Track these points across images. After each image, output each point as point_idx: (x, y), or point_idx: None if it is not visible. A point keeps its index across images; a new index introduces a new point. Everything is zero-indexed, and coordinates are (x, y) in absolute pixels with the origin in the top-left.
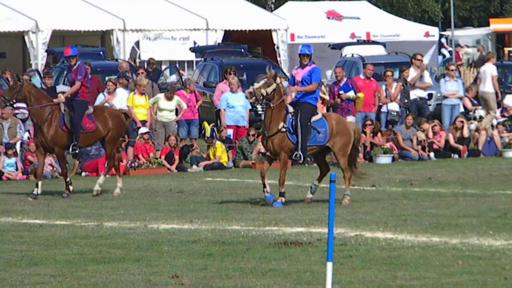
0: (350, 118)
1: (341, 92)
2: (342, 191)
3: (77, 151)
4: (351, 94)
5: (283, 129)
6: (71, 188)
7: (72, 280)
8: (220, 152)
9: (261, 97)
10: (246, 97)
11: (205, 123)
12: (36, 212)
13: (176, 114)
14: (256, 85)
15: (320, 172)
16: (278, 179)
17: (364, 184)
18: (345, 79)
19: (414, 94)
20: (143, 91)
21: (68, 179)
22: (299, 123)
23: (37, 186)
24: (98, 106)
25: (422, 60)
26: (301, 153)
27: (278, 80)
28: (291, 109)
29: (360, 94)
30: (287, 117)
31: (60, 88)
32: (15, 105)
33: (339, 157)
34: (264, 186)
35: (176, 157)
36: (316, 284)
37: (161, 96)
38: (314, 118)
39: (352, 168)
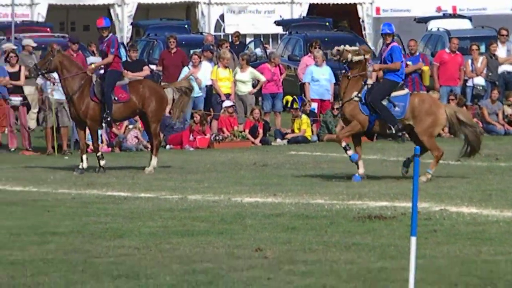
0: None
1: (408, 62)
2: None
3: (109, 119)
4: (420, 65)
5: (356, 98)
6: (102, 162)
7: (156, 252)
8: (306, 126)
9: (344, 60)
10: (332, 54)
11: (288, 97)
12: (120, 184)
13: (254, 87)
14: (347, 47)
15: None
16: (336, 138)
17: (449, 159)
18: (417, 53)
19: (502, 68)
20: (226, 64)
21: (99, 153)
22: (370, 99)
23: (81, 160)
24: (137, 79)
25: (507, 35)
26: (390, 125)
27: (368, 56)
28: (370, 81)
29: (425, 68)
30: (363, 88)
31: (91, 60)
32: (47, 75)
33: (422, 137)
34: (358, 168)
35: (260, 130)
36: (400, 259)
37: (238, 68)
38: (396, 93)
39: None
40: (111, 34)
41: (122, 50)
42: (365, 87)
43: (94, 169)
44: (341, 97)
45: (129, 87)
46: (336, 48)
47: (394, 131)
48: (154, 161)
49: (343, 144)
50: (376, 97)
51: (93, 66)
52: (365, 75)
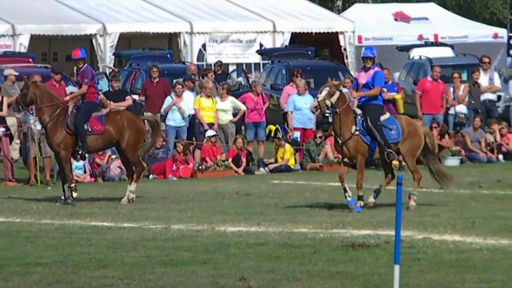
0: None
1: (384, 89)
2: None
3: (81, 153)
4: (393, 94)
5: (356, 132)
6: (75, 194)
7: (140, 282)
8: (289, 155)
9: (325, 108)
10: (312, 111)
11: (271, 126)
12: (104, 214)
13: (235, 115)
14: (320, 97)
15: (385, 177)
16: (355, 183)
17: (432, 187)
18: (391, 81)
19: (483, 96)
20: (209, 94)
21: (73, 185)
22: (370, 124)
23: (63, 190)
24: (116, 110)
25: (489, 63)
26: (389, 150)
27: (341, 87)
28: (358, 111)
29: (398, 96)
30: (356, 120)
31: (69, 89)
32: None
33: (407, 158)
34: (345, 191)
35: (243, 159)
36: (384, 287)
37: (218, 97)
38: (382, 118)
39: (437, 172)
40: (86, 65)
41: (104, 81)
42: (358, 118)
43: (65, 200)
44: (338, 134)
45: (106, 118)
46: (312, 106)
47: (395, 156)
48: (132, 187)
49: (361, 193)
50: (376, 120)
51: (68, 97)
52: (349, 105)
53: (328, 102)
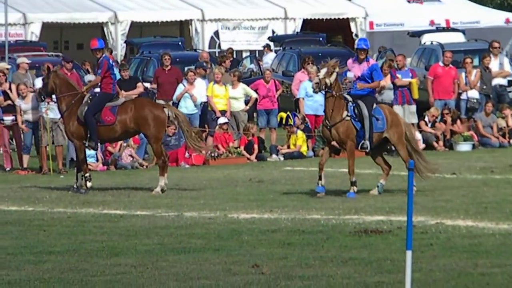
0: (395, 107)
1: (398, 75)
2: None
3: (91, 144)
4: (408, 80)
5: (347, 118)
6: (89, 184)
7: (153, 270)
8: (301, 141)
9: (324, 86)
10: (313, 88)
11: (282, 113)
12: (116, 202)
13: (246, 103)
14: (321, 74)
15: (382, 171)
16: (348, 168)
17: (444, 172)
18: (407, 68)
19: (494, 81)
20: (219, 80)
21: (87, 175)
22: (366, 113)
23: (76, 179)
24: (130, 99)
25: (499, 48)
26: (367, 142)
27: (337, 69)
28: (349, 98)
29: (413, 80)
30: (348, 106)
31: (88, 77)
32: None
33: (399, 148)
34: (320, 178)
35: (256, 146)
36: (396, 273)
37: (229, 85)
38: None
39: (421, 164)
40: (103, 56)
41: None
42: (350, 104)
43: (78, 189)
44: (328, 117)
45: (119, 108)
46: (314, 82)
47: (368, 148)
48: (161, 181)
49: (353, 179)
50: (371, 112)
51: (84, 88)
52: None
53: (327, 81)
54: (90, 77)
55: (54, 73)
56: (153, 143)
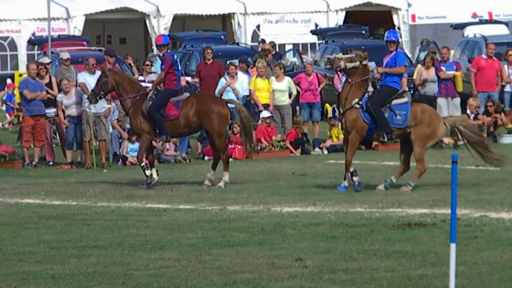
0: (439, 100)
1: (443, 68)
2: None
3: (162, 138)
4: (452, 72)
5: (357, 105)
6: (148, 172)
7: (197, 264)
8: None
9: (338, 68)
10: (325, 63)
11: (327, 105)
12: (160, 196)
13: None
14: (339, 55)
15: (400, 168)
16: (346, 163)
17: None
18: (451, 60)
19: None
20: (262, 73)
21: (143, 164)
22: (369, 104)
23: (151, 174)
24: (195, 95)
25: None
26: (383, 132)
27: (365, 61)
28: (370, 88)
29: (458, 73)
30: (364, 96)
31: (152, 77)
32: (107, 98)
33: (415, 145)
34: (352, 175)
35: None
36: (440, 266)
37: (274, 78)
38: (397, 101)
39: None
40: (168, 52)
41: (159, 63)
42: (366, 95)
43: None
44: (342, 104)
45: (183, 103)
46: (327, 56)
47: (386, 140)
48: (225, 177)
49: (351, 169)
50: (375, 103)
51: (150, 87)
52: (367, 81)
53: (342, 63)
54: (153, 77)
55: (112, 71)
56: (216, 138)
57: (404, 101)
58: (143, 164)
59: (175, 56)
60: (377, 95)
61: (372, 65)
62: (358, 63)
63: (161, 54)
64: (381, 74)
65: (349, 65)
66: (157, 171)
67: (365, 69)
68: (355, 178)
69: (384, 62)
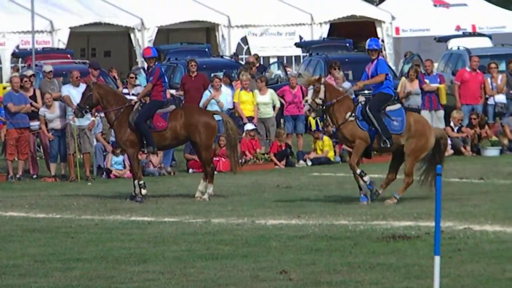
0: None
1: (426, 80)
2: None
3: (149, 149)
4: (436, 85)
5: (351, 118)
6: (144, 191)
7: (181, 276)
8: (328, 147)
9: (318, 106)
10: (306, 114)
11: (310, 118)
12: (144, 209)
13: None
14: (308, 98)
15: (386, 178)
16: (350, 166)
17: (472, 177)
18: (435, 73)
19: None
20: (246, 86)
21: (141, 182)
22: (367, 109)
23: (141, 187)
24: (182, 106)
25: None
26: (385, 139)
27: (322, 80)
28: (362, 98)
29: (441, 86)
30: (356, 108)
31: (138, 90)
32: (94, 111)
33: (408, 158)
34: (361, 176)
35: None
36: (425, 278)
37: (257, 91)
38: (390, 108)
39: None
40: (156, 64)
41: (143, 76)
42: (359, 105)
43: (131, 197)
44: (334, 122)
45: (170, 115)
46: (305, 110)
47: (389, 145)
48: (210, 189)
49: (358, 170)
50: (375, 108)
51: (135, 98)
52: (347, 96)
53: (318, 100)
54: (139, 89)
55: (96, 84)
56: (202, 151)
57: (398, 107)
58: (141, 182)
59: (163, 69)
60: (373, 102)
61: (347, 86)
62: (322, 86)
63: (147, 67)
64: (371, 86)
65: (321, 95)
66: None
67: (330, 85)
68: (365, 178)
69: (368, 72)
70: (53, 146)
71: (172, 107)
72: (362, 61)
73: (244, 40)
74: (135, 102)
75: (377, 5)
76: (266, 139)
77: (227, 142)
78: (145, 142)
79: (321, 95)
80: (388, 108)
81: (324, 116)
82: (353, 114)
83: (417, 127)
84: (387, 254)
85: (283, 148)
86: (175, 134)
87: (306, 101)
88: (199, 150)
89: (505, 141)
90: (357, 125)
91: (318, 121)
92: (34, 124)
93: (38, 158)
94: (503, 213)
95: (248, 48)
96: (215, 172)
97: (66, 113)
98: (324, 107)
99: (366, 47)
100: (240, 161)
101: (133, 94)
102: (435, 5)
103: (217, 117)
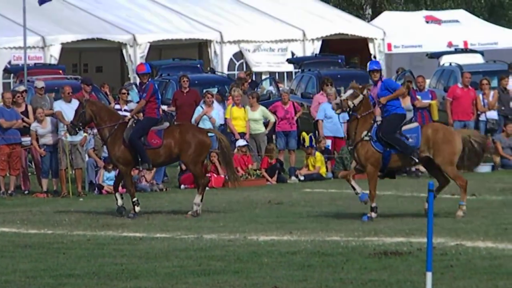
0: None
1: (418, 97)
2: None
3: (145, 166)
4: (428, 101)
5: (366, 138)
6: (137, 208)
7: None
8: (320, 163)
9: (347, 108)
10: (333, 108)
11: (304, 133)
12: (136, 225)
13: (266, 125)
14: (344, 96)
15: (438, 184)
16: (368, 193)
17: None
18: (427, 89)
19: None
20: (237, 102)
21: (135, 199)
22: (382, 135)
23: (116, 198)
24: (177, 124)
25: None
26: (411, 156)
27: (365, 91)
28: (378, 118)
29: (433, 102)
30: (372, 127)
31: (131, 106)
32: (87, 128)
33: (444, 167)
34: (354, 188)
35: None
36: None
37: (248, 107)
38: (407, 127)
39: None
40: (149, 80)
41: (135, 92)
42: (375, 125)
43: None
44: (352, 137)
45: (165, 132)
46: (334, 102)
47: (417, 160)
48: (197, 199)
49: (374, 204)
50: (387, 131)
51: (128, 116)
52: (373, 112)
53: (350, 103)
54: (133, 106)
55: (89, 101)
56: (190, 165)
57: (415, 125)
58: (134, 199)
59: (156, 85)
60: (387, 124)
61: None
62: (361, 96)
63: (139, 83)
64: (382, 106)
65: (356, 101)
66: (121, 195)
67: (367, 100)
68: (373, 214)
69: (373, 95)
70: (45, 162)
71: (166, 124)
72: (354, 77)
73: (236, 56)
74: (129, 119)
75: (369, 21)
76: (257, 155)
77: (222, 159)
78: (140, 159)
79: (356, 101)
80: (405, 127)
81: (316, 132)
82: (369, 134)
83: (436, 137)
84: (379, 270)
85: (273, 163)
86: (169, 152)
87: (340, 96)
88: (187, 166)
89: (497, 158)
90: (372, 146)
91: (313, 137)
92: (26, 139)
93: (29, 173)
94: (495, 230)
95: (242, 63)
96: (207, 188)
97: (58, 129)
98: (350, 115)
99: (368, 69)
100: (237, 176)
101: (125, 110)
102: (427, 22)
103: (210, 134)
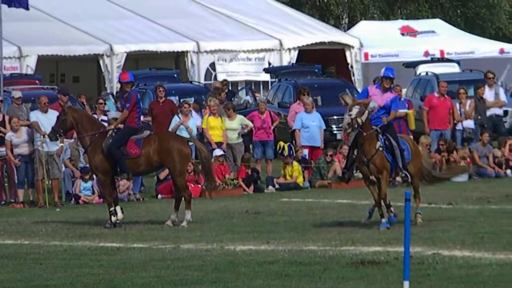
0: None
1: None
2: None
3: (124, 176)
4: (405, 111)
5: (380, 148)
6: (113, 218)
7: None
8: (297, 173)
9: (356, 126)
10: (345, 128)
11: (281, 143)
12: (113, 235)
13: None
14: (353, 114)
15: (374, 197)
16: (379, 194)
17: (441, 202)
18: (403, 98)
19: (489, 111)
20: (214, 112)
21: (112, 209)
22: (394, 144)
23: (111, 214)
24: (156, 132)
25: (493, 78)
26: (406, 172)
27: (369, 107)
28: (379, 129)
29: (409, 112)
30: (379, 137)
31: (112, 114)
32: (63, 138)
33: (415, 178)
34: (388, 206)
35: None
36: None
37: (226, 117)
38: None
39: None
40: (132, 89)
41: (111, 101)
42: (380, 136)
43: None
44: (365, 152)
45: (144, 141)
46: (345, 122)
47: (405, 174)
48: (188, 215)
49: (388, 201)
50: (397, 141)
51: (112, 125)
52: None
53: (359, 120)
54: (114, 114)
55: (70, 108)
56: (177, 177)
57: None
58: (111, 209)
59: (139, 95)
60: (394, 135)
61: (374, 105)
62: (367, 112)
63: (119, 92)
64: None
65: (364, 117)
66: (121, 208)
67: (370, 115)
68: (392, 209)
69: (380, 102)
70: (21, 172)
71: (147, 132)
72: (331, 86)
73: (213, 66)
74: (109, 129)
75: (345, 30)
76: (234, 165)
77: (202, 169)
78: (119, 169)
79: (364, 118)
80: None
81: (293, 142)
82: (381, 145)
83: (415, 149)
84: (356, 280)
85: (250, 173)
86: (148, 160)
87: (350, 115)
88: (173, 177)
89: (471, 168)
90: (385, 156)
91: (291, 146)
92: (2, 150)
93: (6, 184)
94: (472, 238)
95: (216, 74)
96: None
97: (34, 139)
98: (359, 131)
99: (381, 75)
100: (215, 186)
101: (102, 120)
102: (402, 34)
103: (190, 143)
